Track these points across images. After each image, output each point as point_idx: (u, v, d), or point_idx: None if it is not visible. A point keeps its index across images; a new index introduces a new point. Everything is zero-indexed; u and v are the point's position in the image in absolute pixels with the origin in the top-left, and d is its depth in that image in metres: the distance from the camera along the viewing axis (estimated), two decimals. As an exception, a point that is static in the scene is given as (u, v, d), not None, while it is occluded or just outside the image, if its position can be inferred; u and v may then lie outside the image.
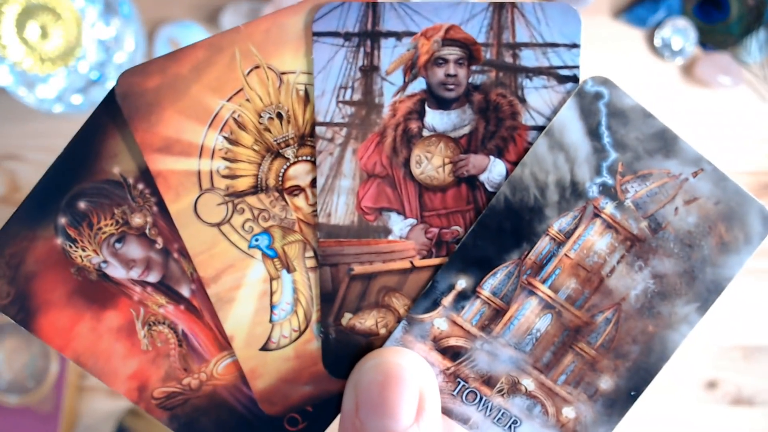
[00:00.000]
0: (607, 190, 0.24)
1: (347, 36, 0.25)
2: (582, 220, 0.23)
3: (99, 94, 0.55)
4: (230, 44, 0.23)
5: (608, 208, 0.24)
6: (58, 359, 0.58)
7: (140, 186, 0.24)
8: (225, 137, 0.24)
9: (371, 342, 0.23)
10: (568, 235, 0.24)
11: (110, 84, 0.54)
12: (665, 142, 0.25)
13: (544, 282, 0.23)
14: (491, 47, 0.25)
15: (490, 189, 0.24)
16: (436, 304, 0.23)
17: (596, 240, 0.23)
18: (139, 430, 0.58)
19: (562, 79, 0.25)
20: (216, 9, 0.58)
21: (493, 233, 0.23)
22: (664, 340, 0.25)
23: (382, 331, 0.23)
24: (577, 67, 0.25)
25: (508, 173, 0.24)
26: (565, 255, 0.24)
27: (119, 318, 0.24)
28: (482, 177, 0.24)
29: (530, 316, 0.23)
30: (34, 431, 0.59)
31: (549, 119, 0.24)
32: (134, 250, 0.24)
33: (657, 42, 0.57)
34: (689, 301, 0.25)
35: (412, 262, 0.24)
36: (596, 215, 0.24)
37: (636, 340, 0.24)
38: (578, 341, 0.23)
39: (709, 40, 0.57)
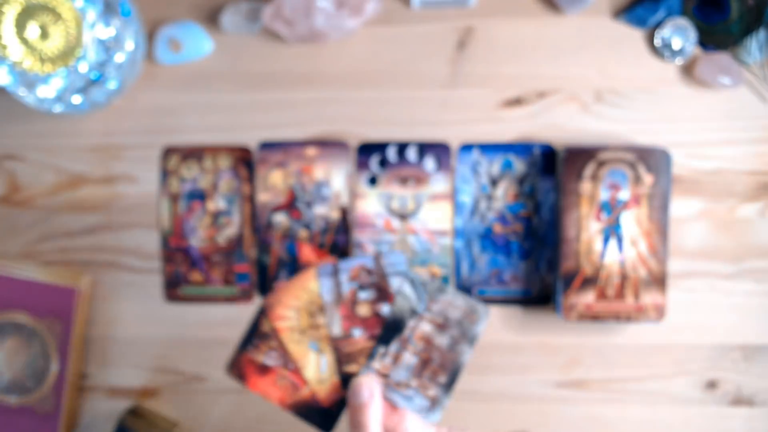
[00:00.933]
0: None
1: None
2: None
3: (99, 94, 0.55)
4: None
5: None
6: (58, 359, 0.58)
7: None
8: None
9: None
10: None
11: (111, 84, 0.55)
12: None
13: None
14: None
15: None
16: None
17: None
18: (140, 430, 0.58)
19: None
20: (216, 9, 0.58)
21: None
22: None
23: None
24: None
25: None
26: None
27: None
28: None
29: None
30: (34, 431, 0.59)
31: None
32: None
33: (657, 42, 0.57)
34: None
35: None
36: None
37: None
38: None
39: (709, 40, 0.57)
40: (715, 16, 0.57)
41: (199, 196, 0.59)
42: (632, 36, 0.57)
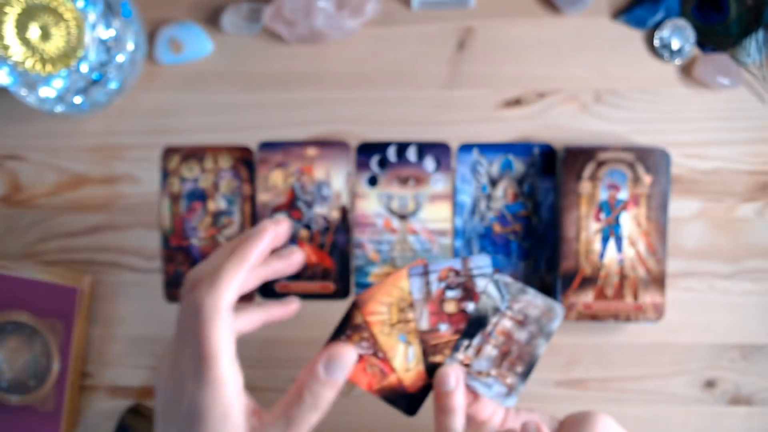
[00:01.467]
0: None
1: None
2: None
3: (100, 95, 0.55)
4: None
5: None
6: (60, 358, 0.59)
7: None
8: None
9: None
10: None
11: (112, 84, 0.55)
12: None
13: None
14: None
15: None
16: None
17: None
18: (141, 429, 0.58)
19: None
20: (217, 10, 0.59)
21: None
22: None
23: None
24: None
25: None
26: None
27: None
28: None
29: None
30: (35, 430, 0.60)
31: None
32: None
33: (656, 42, 0.57)
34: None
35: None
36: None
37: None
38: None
39: (707, 41, 0.57)
40: (713, 17, 0.57)
41: (200, 196, 0.59)
42: (631, 36, 0.58)
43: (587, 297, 0.56)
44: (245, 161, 0.59)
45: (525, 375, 0.44)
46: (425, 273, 0.43)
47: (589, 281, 0.56)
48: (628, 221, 0.55)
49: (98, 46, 0.52)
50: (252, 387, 0.58)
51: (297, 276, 0.57)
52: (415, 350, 0.43)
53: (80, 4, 0.51)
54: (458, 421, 0.41)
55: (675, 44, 0.56)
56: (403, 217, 0.58)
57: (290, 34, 0.57)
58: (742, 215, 0.58)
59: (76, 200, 0.60)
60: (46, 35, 0.51)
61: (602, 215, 0.55)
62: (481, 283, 0.44)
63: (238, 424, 0.37)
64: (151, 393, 0.61)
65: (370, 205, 0.59)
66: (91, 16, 0.52)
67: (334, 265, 0.59)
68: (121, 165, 0.60)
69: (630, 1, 0.57)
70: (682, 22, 0.56)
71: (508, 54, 0.58)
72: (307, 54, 0.59)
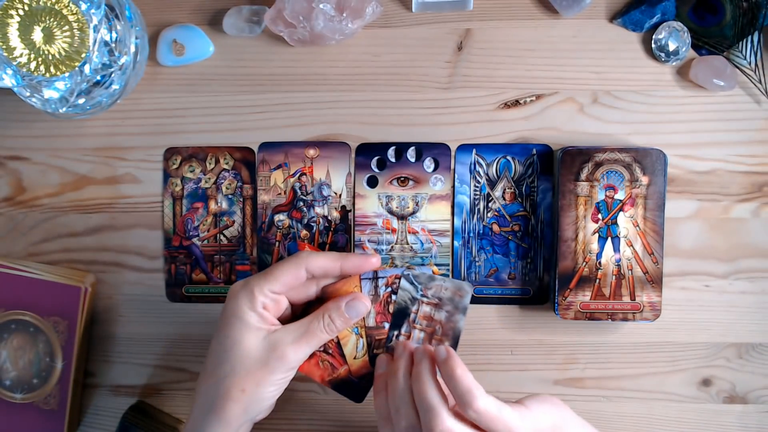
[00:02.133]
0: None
1: None
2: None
3: (103, 96, 0.56)
4: None
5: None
6: (63, 357, 0.59)
7: None
8: None
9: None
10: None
11: (114, 86, 0.55)
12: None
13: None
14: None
15: None
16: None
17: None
18: (143, 426, 0.59)
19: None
20: (218, 13, 0.59)
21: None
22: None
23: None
24: None
25: None
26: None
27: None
28: None
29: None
30: (39, 428, 0.60)
31: None
32: None
33: (652, 45, 0.57)
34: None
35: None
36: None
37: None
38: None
39: (703, 43, 0.57)
40: (709, 19, 0.57)
41: (201, 196, 0.60)
42: (628, 39, 0.58)
43: (585, 296, 0.56)
44: (246, 162, 0.60)
45: (454, 347, 0.50)
46: (375, 278, 0.50)
47: (586, 281, 0.56)
48: (625, 221, 0.56)
49: (101, 49, 0.53)
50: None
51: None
52: (363, 342, 0.50)
53: (84, 6, 0.52)
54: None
55: (671, 46, 0.57)
56: (402, 217, 0.59)
57: (291, 37, 0.57)
58: (738, 215, 0.58)
59: (78, 200, 0.60)
60: (49, 38, 0.51)
61: (600, 215, 0.56)
62: (399, 281, 0.51)
63: (251, 325, 0.46)
64: (152, 391, 0.61)
65: (370, 205, 0.59)
66: (95, 19, 0.52)
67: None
68: (123, 166, 0.60)
69: (626, 4, 0.58)
70: (678, 25, 0.57)
71: (506, 56, 0.58)
72: (308, 56, 0.59)
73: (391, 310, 0.50)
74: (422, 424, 0.43)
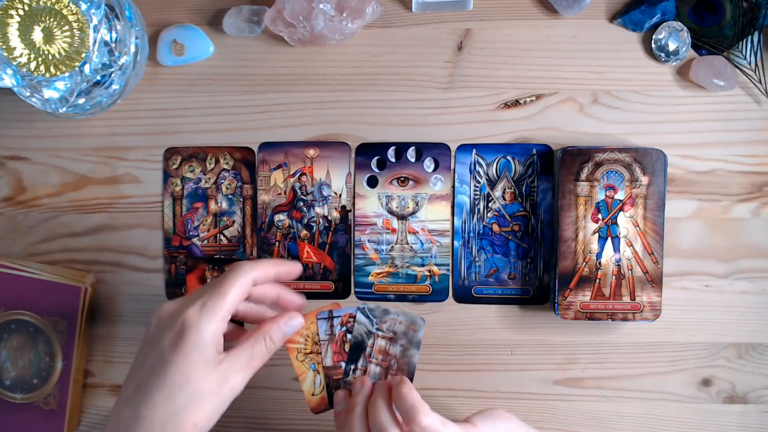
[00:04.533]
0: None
1: None
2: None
3: (103, 96, 0.56)
4: None
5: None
6: (63, 357, 0.59)
7: None
8: None
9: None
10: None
11: (114, 86, 0.55)
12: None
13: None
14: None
15: None
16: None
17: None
18: (143, 427, 0.59)
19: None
20: (218, 13, 0.59)
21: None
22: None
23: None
24: None
25: None
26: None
27: None
28: None
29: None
30: (39, 428, 0.60)
31: None
32: None
33: (652, 45, 0.57)
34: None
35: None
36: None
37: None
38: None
39: (703, 43, 0.57)
40: (709, 19, 0.57)
41: (201, 196, 0.60)
42: (628, 39, 0.58)
43: (585, 296, 0.56)
44: (246, 162, 0.60)
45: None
46: (330, 317, 0.51)
47: (586, 281, 0.56)
48: (625, 221, 0.56)
49: (101, 49, 0.53)
50: (252, 386, 0.59)
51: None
52: (321, 379, 0.51)
53: (84, 6, 0.52)
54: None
55: (671, 46, 0.57)
56: (402, 217, 0.59)
57: (291, 37, 0.57)
58: (738, 215, 0.58)
59: (78, 200, 0.61)
60: (49, 38, 0.51)
61: (600, 215, 0.56)
62: (356, 315, 0.51)
63: (207, 357, 0.44)
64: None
65: (370, 205, 0.59)
66: (95, 19, 0.52)
67: (334, 265, 0.59)
68: (123, 166, 0.60)
69: (626, 4, 0.58)
70: (678, 25, 0.57)
71: (506, 56, 0.58)
72: (308, 56, 0.59)
73: (347, 349, 0.50)
74: None
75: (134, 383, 0.43)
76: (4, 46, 0.51)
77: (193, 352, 0.43)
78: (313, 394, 0.50)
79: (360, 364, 0.50)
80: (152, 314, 0.45)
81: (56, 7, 0.51)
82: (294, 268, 0.50)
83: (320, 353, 0.51)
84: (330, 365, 0.50)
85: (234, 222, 0.60)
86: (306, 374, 0.51)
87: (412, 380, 0.49)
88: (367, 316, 0.51)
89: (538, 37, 0.58)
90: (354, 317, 0.51)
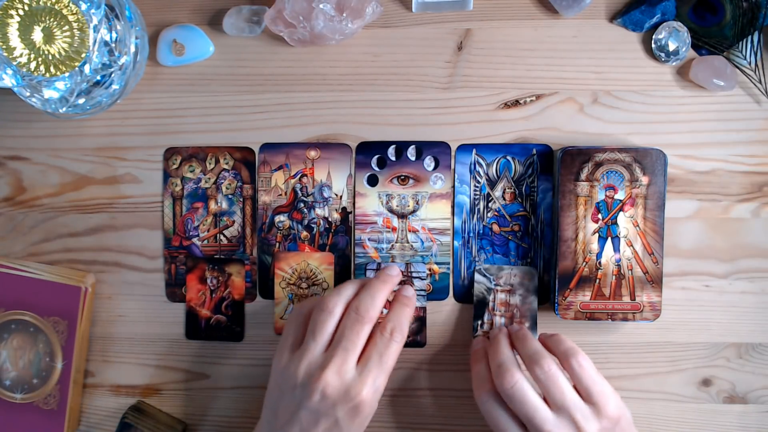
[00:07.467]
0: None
1: None
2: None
3: (103, 96, 0.56)
4: None
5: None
6: (63, 357, 0.59)
7: None
8: None
9: None
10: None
11: (114, 86, 0.55)
12: None
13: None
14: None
15: None
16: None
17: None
18: (143, 427, 0.59)
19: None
20: (218, 13, 0.59)
21: None
22: None
23: None
24: None
25: None
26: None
27: None
28: None
29: None
30: (38, 427, 0.60)
31: None
32: None
33: (652, 45, 0.57)
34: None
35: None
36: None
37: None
38: None
39: (703, 43, 0.57)
40: (709, 19, 0.57)
41: (201, 196, 0.60)
42: (628, 39, 0.58)
43: (585, 296, 0.56)
44: (246, 162, 0.60)
45: (533, 327, 0.57)
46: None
47: (586, 281, 0.56)
48: (625, 221, 0.56)
49: (101, 49, 0.53)
50: (262, 387, 0.59)
51: (297, 275, 0.58)
52: (293, 307, 0.56)
53: (84, 6, 0.52)
54: None
55: (671, 46, 0.57)
56: (402, 215, 0.59)
57: (291, 37, 0.57)
58: (738, 215, 0.58)
59: (78, 200, 0.61)
60: (49, 38, 0.51)
61: (600, 215, 0.56)
62: (417, 284, 0.58)
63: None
64: (152, 391, 0.61)
65: (370, 204, 0.59)
66: (95, 19, 0.52)
67: (335, 266, 0.60)
68: (123, 166, 0.60)
69: (626, 4, 0.58)
70: (678, 25, 0.57)
71: (506, 56, 0.58)
72: (308, 56, 0.59)
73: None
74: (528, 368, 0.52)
75: None
76: (4, 46, 0.51)
77: (366, 420, 0.49)
78: (281, 318, 0.59)
79: (485, 318, 0.57)
80: (312, 382, 0.48)
81: (56, 7, 0.51)
82: (396, 279, 0.54)
83: (303, 287, 0.58)
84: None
85: (234, 222, 0.60)
86: (282, 301, 0.59)
87: (535, 324, 0.57)
88: (484, 275, 0.57)
89: (538, 37, 0.58)
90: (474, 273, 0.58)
